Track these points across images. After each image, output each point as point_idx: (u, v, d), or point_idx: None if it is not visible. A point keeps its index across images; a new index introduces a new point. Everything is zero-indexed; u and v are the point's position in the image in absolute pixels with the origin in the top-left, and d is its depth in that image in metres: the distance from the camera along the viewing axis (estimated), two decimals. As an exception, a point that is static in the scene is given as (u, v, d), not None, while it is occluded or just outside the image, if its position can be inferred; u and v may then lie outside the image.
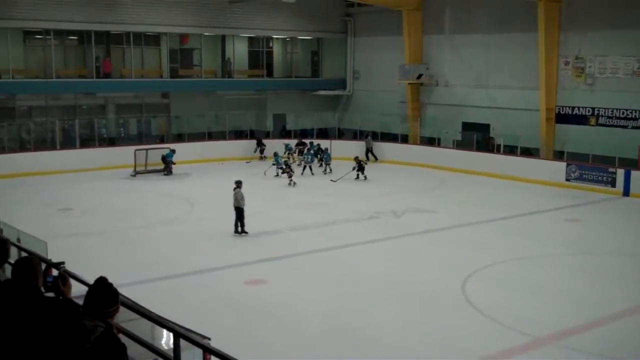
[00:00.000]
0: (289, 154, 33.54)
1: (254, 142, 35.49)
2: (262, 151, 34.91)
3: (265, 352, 11.70)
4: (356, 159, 29.96)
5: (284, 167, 28.98)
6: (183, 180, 29.27)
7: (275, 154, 30.52)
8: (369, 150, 35.21)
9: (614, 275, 16.95)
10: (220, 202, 24.88)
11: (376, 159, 35.01)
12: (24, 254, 8.23)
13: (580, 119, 30.29)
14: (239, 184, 20.36)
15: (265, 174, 29.99)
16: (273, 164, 30.04)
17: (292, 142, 34.82)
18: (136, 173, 30.03)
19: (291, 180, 28.04)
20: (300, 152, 33.56)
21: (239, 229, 20.01)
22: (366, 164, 30.64)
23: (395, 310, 14.19)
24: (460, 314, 14.00)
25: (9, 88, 31.66)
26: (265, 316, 13.67)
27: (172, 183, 28.67)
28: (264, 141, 35.42)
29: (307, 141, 34.44)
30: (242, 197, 19.91)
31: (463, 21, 34.81)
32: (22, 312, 4.74)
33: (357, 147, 35.33)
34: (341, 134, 38.83)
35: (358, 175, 29.43)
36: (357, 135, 37.67)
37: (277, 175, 29.19)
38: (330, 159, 31.44)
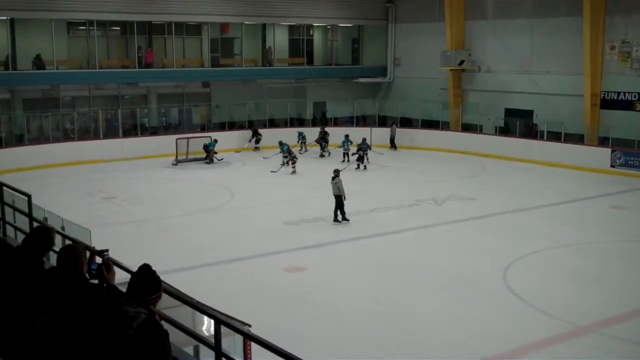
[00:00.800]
0: (301, 142, 33.34)
1: (249, 131, 34.57)
2: (257, 141, 34.08)
3: (305, 339, 11.72)
4: (359, 148, 29.39)
5: (287, 154, 28.58)
6: (224, 168, 29.45)
7: (281, 143, 29.51)
8: (392, 138, 34.91)
9: (661, 264, 16.67)
10: (260, 190, 25.07)
11: (395, 147, 34.68)
12: (68, 242, 8.36)
13: (626, 105, 29.70)
14: (337, 172, 20.63)
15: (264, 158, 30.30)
16: (280, 153, 29.53)
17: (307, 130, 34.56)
18: (178, 162, 30.29)
19: (294, 167, 27.93)
20: (322, 141, 32.95)
21: (340, 217, 20.22)
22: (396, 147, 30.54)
23: (436, 297, 14.14)
24: (503, 301, 13.89)
25: (53, 78, 32.13)
26: (305, 303, 13.73)
27: (212, 172, 28.86)
28: (260, 131, 34.42)
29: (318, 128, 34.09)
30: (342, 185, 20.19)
31: (506, 6, 34.34)
32: (67, 298, 4.82)
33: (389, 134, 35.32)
34: (382, 122, 38.68)
35: (358, 165, 29.11)
36: (397, 122, 37.49)
37: (283, 164, 28.56)
38: (368, 147, 30.59)
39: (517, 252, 17.08)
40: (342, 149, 31.16)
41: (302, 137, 33.73)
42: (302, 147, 33.15)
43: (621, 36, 29.57)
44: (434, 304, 13.80)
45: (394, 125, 35.52)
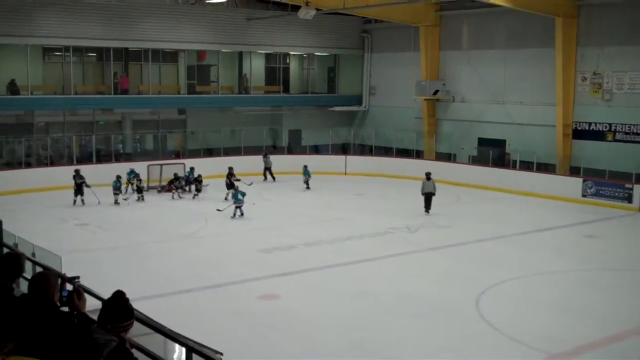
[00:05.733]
0: (131, 180, 29.38)
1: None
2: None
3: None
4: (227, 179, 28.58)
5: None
6: (198, 195, 29.24)
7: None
8: (267, 169, 33.73)
9: (631, 291, 16.85)
10: (234, 218, 24.96)
11: (274, 179, 33.22)
12: (38, 269, 8.29)
13: (597, 135, 30.17)
14: (430, 173, 25.92)
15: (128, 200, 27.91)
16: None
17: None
18: (149, 188, 29.94)
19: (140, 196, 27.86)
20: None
21: (429, 209, 25.44)
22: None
23: (409, 325, 14.13)
24: (475, 330, 13.92)
25: (27, 104, 31.98)
26: (278, 331, 13.66)
27: (186, 198, 28.66)
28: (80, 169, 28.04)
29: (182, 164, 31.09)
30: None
31: (480, 37, 34.85)
32: (37, 326, 4.77)
33: (364, 163, 35.52)
34: (356, 150, 38.92)
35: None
36: (371, 150, 37.78)
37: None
38: (309, 175, 31.38)
39: (490, 280, 17.15)
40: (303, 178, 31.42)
41: (133, 175, 29.53)
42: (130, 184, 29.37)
43: (592, 68, 30.10)
44: (408, 332, 13.79)
45: (267, 155, 34.30)
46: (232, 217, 24.79)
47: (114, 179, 27.42)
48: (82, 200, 26.94)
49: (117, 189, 27.38)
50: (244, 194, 25.11)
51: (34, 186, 28.90)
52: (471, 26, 35.27)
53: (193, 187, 29.34)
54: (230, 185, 27.85)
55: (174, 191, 28.95)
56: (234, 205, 25.02)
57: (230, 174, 29.05)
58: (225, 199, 27.35)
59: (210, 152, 35.87)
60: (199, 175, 29.19)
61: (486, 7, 32.07)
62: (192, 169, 30.34)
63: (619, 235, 23.51)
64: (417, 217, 25.07)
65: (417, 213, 25.87)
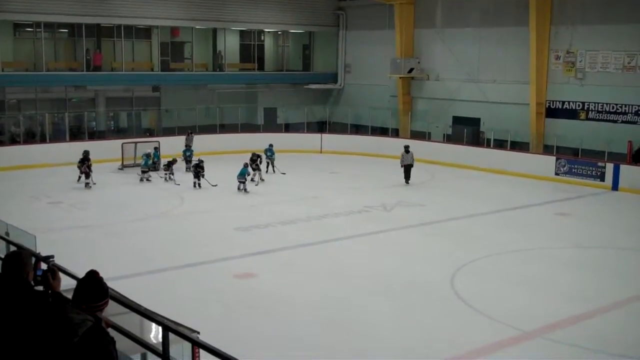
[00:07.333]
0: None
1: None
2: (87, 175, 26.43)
3: (254, 346, 11.70)
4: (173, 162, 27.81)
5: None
6: (198, 186, 28.83)
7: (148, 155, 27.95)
8: (188, 147, 31.24)
9: (603, 269, 17.06)
10: (210, 196, 24.91)
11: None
12: (12, 248, 8.22)
13: (570, 114, 30.41)
14: (408, 146, 27.66)
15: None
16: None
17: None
18: (123, 167, 29.70)
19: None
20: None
21: (409, 180, 27.09)
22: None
23: (384, 303, 14.23)
24: (450, 307, 14.05)
25: (-2, 81, 31.55)
26: (254, 310, 13.68)
27: (183, 184, 27.82)
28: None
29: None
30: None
31: (454, 15, 34.86)
32: (11, 305, 4.74)
33: (339, 141, 35.51)
34: (332, 128, 38.90)
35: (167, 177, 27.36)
36: (347, 128, 37.75)
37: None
38: (274, 155, 29.70)
39: (465, 258, 17.31)
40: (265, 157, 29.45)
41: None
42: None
43: (566, 46, 30.28)
44: (384, 310, 13.88)
45: (192, 134, 32.50)
46: (238, 190, 25.26)
47: (144, 157, 27.65)
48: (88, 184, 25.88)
49: (146, 166, 27.41)
50: (243, 173, 25.46)
51: (6, 164, 28.55)
52: (446, 4, 35.25)
53: (191, 168, 27.32)
54: (255, 168, 27.06)
55: (166, 174, 27.35)
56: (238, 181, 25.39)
57: (257, 160, 27.55)
58: (252, 179, 26.60)
59: (184, 130, 35.34)
60: (201, 161, 26.47)
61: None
62: (187, 146, 29.78)
63: (591, 213, 23.78)
64: (392, 195, 25.17)
65: (393, 191, 26.00)
